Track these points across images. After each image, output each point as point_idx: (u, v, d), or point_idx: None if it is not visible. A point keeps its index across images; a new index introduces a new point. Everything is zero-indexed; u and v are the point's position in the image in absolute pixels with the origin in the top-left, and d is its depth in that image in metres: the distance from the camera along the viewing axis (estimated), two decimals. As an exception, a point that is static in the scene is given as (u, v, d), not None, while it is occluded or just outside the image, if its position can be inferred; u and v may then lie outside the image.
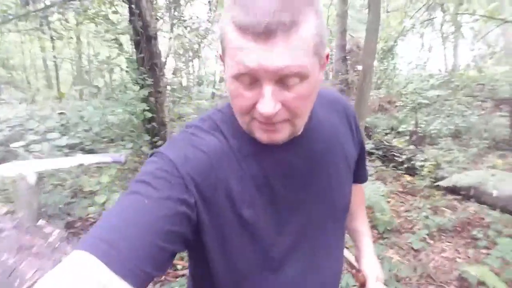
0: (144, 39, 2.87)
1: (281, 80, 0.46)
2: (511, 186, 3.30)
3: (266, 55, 0.43)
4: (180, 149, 0.54)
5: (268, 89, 0.45)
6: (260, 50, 0.43)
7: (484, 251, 2.66)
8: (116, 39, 2.90)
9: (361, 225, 0.88)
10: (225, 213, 0.53)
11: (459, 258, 2.61)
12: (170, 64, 7.30)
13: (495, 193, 3.31)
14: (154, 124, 2.86)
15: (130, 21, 2.93)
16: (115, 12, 3.35)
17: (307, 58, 0.45)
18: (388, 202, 3.53)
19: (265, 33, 0.41)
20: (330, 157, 0.64)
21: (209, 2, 9.30)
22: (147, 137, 2.79)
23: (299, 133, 0.57)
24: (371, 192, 3.20)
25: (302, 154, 0.60)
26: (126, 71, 2.98)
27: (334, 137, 0.66)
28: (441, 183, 3.40)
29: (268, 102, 0.45)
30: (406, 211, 3.44)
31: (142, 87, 2.80)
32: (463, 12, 7.69)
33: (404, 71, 8.34)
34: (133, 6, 2.78)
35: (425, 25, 8.60)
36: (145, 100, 2.79)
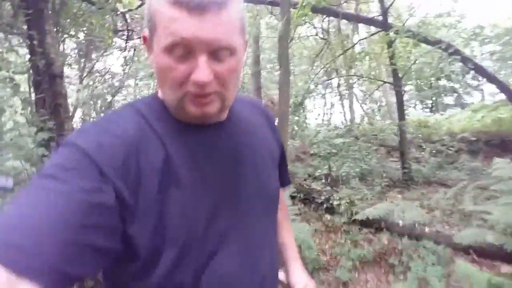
0: (46, 78, 2.58)
1: (214, 52, 0.48)
2: (412, 215, 3.73)
3: (200, 27, 0.45)
4: (92, 136, 0.49)
5: (203, 58, 0.47)
6: (194, 22, 0.45)
7: (401, 276, 2.84)
8: (11, 79, 2.53)
9: (286, 237, 0.87)
10: (154, 197, 0.48)
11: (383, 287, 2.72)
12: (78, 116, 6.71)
13: (401, 222, 3.69)
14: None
15: (31, 60, 2.63)
16: (11, 50, 2.98)
17: (235, 36, 0.50)
18: (314, 241, 3.59)
19: (198, 8, 0.44)
20: (255, 147, 0.65)
21: (124, 57, 9.19)
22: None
23: (225, 115, 0.60)
24: (298, 231, 3.22)
25: (226, 138, 0.60)
26: (21, 114, 2.59)
27: (257, 131, 0.68)
28: (356, 216, 3.66)
29: (204, 70, 0.47)
30: (331, 248, 3.53)
31: (40, 129, 2.43)
32: (353, 75, 9.25)
33: (313, 124, 9.34)
34: (35, 43, 2.53)
35: (325, 85, 10.03)
36: (44, 144, 2.41)
